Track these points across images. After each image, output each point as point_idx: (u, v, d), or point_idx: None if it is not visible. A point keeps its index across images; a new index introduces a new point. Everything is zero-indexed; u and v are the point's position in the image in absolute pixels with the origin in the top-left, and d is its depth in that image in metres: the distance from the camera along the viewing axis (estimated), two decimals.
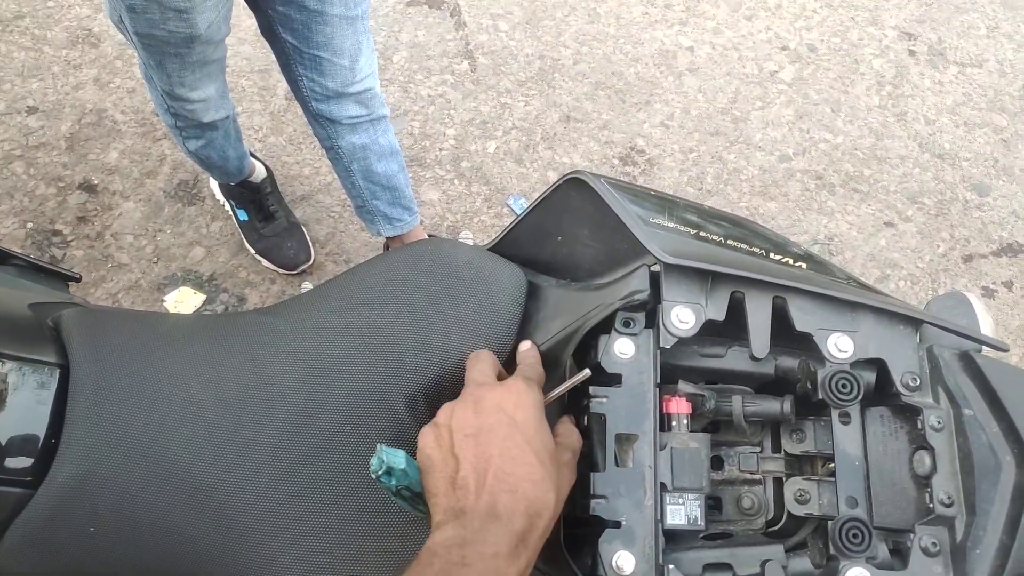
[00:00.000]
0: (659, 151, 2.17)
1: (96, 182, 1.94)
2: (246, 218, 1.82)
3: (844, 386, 0.60)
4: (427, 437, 0.57)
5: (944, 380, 0.61)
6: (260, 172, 1.81)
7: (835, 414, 0.62)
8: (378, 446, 0.57)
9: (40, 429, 0.66)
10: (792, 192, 2.13)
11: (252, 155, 1.80)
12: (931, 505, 0.58)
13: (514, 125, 2.17)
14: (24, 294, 0.81)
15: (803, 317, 0.63)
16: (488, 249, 0.78)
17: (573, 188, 0.73)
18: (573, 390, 0.68)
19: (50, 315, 0.75)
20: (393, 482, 0.57)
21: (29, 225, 1.87)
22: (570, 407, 0.67)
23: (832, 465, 0.63)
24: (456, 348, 0.69)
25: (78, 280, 1.06)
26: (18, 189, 1.91)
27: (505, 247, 0.78)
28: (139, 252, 1.86)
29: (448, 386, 0.69)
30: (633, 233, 0.66)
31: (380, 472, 0.56)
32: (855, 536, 0.57)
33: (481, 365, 0.63)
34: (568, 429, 0.62)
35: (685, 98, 2.29)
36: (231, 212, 1.85)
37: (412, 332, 0.70)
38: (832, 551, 0.58)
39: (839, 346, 0.62)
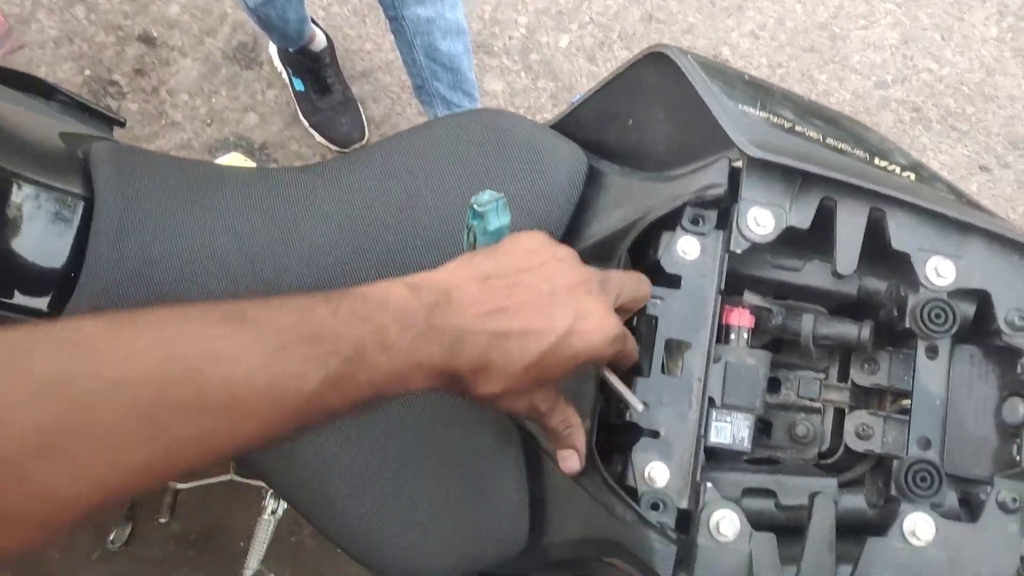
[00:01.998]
0: (744, 62, 2.01)
1: (155, 35, 1.89)
2: (302, 88, 1.76)
3: (938, 316, 0.53)
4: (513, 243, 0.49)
5: None
6: (320, 41, 1.74)
7: (921, 347, 0.54)
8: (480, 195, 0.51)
9: (58, 262, 0.63)
10: (884, 122, 1.97)
11: (314, 22, 1.72)
12: (1018, 458, 0.51)
13: (591, 19, 2.03)
14: (57, 123, 0.77)
15: (902, 234, 0.55)
16: (550, 127, 0.70)
17: (653, 64, 0.64)
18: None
19: (81, 147, 0.71)
20: (474, 221, 0.51)
21: (87, 72, 1.84)
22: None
23: (905, 403, 0.56)
24: None
25: (122, 124, 1.02)
26: (77, 34, 1.87)
27: (568, 126, 0.70)
28: (193, 112, 1.82)
29: None
30: (717, 119, 0.57)
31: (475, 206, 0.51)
32: (923, 480, 0.51)
33: None
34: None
35: (782, 7, 2.10)
36: (287, 80, 1.79)
37: (454, 206, 0.64)
38: (893, 492, 0.52)
39: (939, 271, 0.54)
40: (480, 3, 2.03)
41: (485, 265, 0.47)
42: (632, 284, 0.53)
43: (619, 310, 0.51)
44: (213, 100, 1.84)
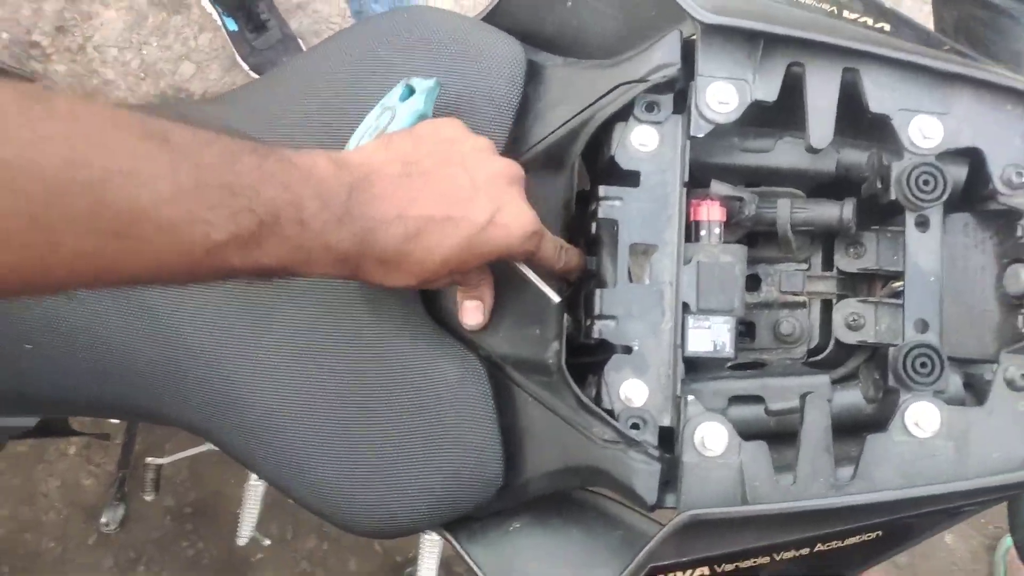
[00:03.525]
0: None
1: None
2: (235, 28, 1.64)
3: (927, 182, 0.47)
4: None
5: None
6: None
7: (910, 219, 0.49)
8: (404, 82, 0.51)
9: None
10: None
11: None
12: (1023, 330, 0.46)
13: None
14: None
15: (880, 94, 0.49)
16: (481, 20, 0.62)
17: None
18: (579, 195, 0.55)
19: None
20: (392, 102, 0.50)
21: (4, 35, 1.71)
22: (577, 212, 0.55)
23: (897, 285, 0.51)
24: None
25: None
26: None
27: (501, 17, 0.62)
28: (125, 67, 1.70)
29: None
30: None
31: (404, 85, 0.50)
32: (923, 365, 0.46)
33: None
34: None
35: None
36: (219, 21, 1.67)
37: None
38: (892, 382, 0.47)
39: (924, 131, 0.48)
40: None
41: (403, 149, 0.45)
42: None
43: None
44: (144, 52, 1.73)
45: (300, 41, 1.70)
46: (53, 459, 1.45)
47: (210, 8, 1.68)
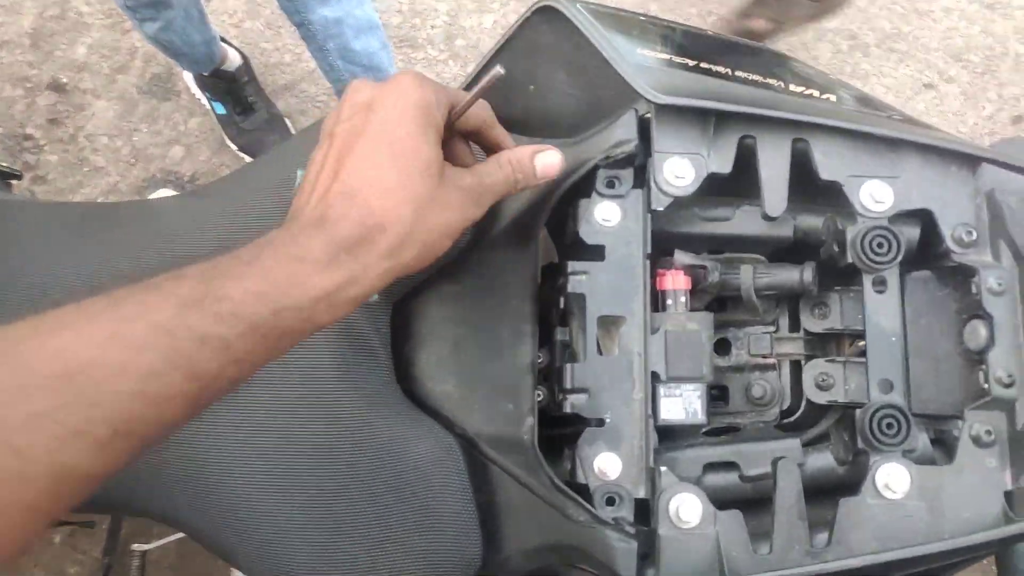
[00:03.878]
0: (674, 15, 1.96)
1: (65, 81, 1.81)
2: (224, 111, 1.68)
3: (880, 245, 0.48)
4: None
5: (1009, 232, 0.49)
6: (234, 59, 1.67)
7: (868, 280, 0.50)
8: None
9: None
10: (823, 55, 1.92)
11: (225, 41, 1.65)
12: (986, 386, 0.47)
13: None
14: None
15: (829, 162, 0.50)
16: None
17: (545, 21, 0.59)
18: (547, 268, 0.57)
19: None
20: None
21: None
22: (544, 288, 0.56)
23: (862, 344, 0.52)
24: None
25: (19, 177, 0.95)
26: None
27: None
28: (115, 154, 1.74)
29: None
30: (616, 69, 0.52)
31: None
32: (890, 426, 0.47)
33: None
34: (495, 160, 0.50)
35: None
36: (208, 106, 1.72)
37: None
38: (860, 444, 0.47)
39: (875, 196, 0.50)
40: None
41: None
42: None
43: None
44: (135, 138, 1.77)
45: (288, 120, 1.75)
46: (38, 549, 1.42)
47: (199, 94, 1.73)
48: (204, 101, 1.72)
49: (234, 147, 1.71)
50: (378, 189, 0.42)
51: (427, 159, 0.44)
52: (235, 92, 1.67)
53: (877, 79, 1.92)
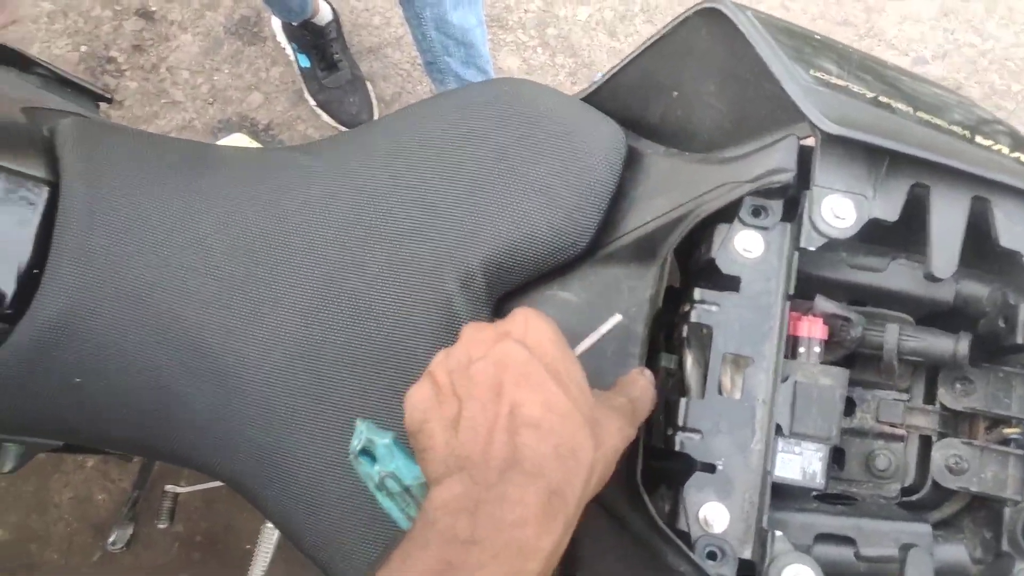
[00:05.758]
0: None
1: (154, 9, 1.80)
2: (308, 65, 1.66)
3: None
4: (416, 393, 0.41)
5: None
6: (325, 14, 1.64)
7: None
8: (358, 420, 0.44)
9: (21, 256, 0.55)
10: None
11: None
12: None
13: None
14: (23, 97, 0.68)
15: (1012, 228, 0.45)
16: (581, 99, 0.61)
17: (705, 23, 0.55)
18: (669, 290, 0.52)
19: (47, 123, 0.62)
20: (376, 468, 0.43)
21: (83, 48, 1.75)
22: (664, 314, 0.52)
23: (1009, 432, 0.47)
24: (528, 217, 0.54)
25: (109, 100, 0.93)
26: (72, 8, 1.78)
27: (603, 99, 0.60)
28: (194, 90, 1.73)
29: (516, 264, 0.54)
30: (783, 88, 0.48)
31: (358, 451, 0.43)
32: None
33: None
34: (633, 378, 0.47)
35: None
36: (292, 57, 1.70)
37: (474, 192, 0.55)
38: (1006, 547, 0.43)
39: None
40: None
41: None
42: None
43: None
44: (215, 78, 1.75)
45: (369, 84, 1.72)
46: (70, 470, 1.42)
47: (285, 43, 1.70)
48: (289, 51, 1.70)
49: (312, 102, 1.69)
50: (557, 415, 0.38)
51: (584, 383, 0.41)
52: (321, 47, 1.64)
53: None
